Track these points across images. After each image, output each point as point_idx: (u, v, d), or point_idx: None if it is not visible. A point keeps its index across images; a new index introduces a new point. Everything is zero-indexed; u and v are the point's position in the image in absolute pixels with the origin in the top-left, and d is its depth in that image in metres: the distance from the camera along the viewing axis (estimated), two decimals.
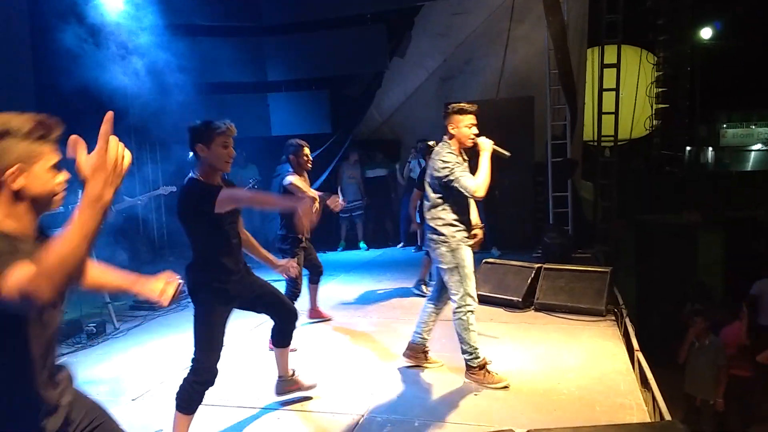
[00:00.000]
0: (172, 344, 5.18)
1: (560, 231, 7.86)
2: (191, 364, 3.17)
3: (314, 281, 5.61)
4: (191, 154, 7.44)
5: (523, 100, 8.82)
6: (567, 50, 7.69)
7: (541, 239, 7.58)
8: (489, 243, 6.92)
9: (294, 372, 3.87)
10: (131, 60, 7.38)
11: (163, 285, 2.04)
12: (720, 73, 13.29)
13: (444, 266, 3.96)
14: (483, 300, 5.86)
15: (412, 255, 9.06)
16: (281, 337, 3.68)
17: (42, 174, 1.60)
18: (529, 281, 5.81)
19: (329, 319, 5.71)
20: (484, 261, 6.33)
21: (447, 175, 3.83)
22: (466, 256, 3.93)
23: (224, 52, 8.87)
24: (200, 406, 3.63)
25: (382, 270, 7.97)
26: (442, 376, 4.21)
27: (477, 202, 4.05)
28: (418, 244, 9.24)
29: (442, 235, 3.94)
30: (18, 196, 1.58)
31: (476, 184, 3.76)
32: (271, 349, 4.07)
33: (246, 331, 5.19)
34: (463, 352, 4.01)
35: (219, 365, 3.19)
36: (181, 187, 3.18)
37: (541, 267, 5.96)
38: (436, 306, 4.32)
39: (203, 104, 7.55)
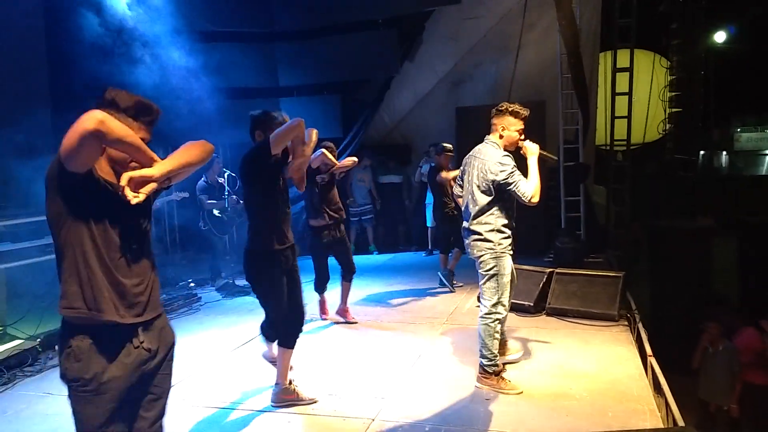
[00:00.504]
0: (184, 347, 5.19)
1: (573, 235, 7.82)
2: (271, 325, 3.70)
3: (346, 279, 5.65)
4: (215, 155, 7.43)
5: (534, 105, 8.75)
6: (579, 54, 7.67)
7: (553, 244, 7.54)
8: None
9: (292, 382, 3.85)
10: (144, 65, 7.45)
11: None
12: (734, 77, 13.17)
13: (483, 272, 3.90)
14: None
15: (423, 259, 9.08)
16: (286, 338, 3.73)
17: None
18: (540, 286, 5.79)
19: (354, 322, 5.69)
20: None
21: (506, 179, 3.74)
22: (508, 265, 3.87)
23: (236, 57, 8.92)
24: (210, 408, 3.66)
25: (393, 274, 7.97)
26: (454, 381, 4.19)
27: None
28: (429, 248, 9.26)
29: (489, 241, 3.85)
30: (111, 157, 2.00)
31: (533, 190, 3.69)
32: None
33: (258, 333, 5.20)
34: (482, 356, 3.96)
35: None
36: (243, 155, 3.59)
37: (553, 271, 5.93)
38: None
39: (215, 109, 7.59)
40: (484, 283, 3.91)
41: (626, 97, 8.61)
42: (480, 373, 4.01)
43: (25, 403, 4.05)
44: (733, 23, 13.47)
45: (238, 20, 9.11)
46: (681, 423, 3.47)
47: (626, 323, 5.29)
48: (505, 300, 3.90)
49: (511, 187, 3.73)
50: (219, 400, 3.95)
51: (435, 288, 6.90)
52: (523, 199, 3.72)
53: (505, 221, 3.89)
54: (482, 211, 3.89)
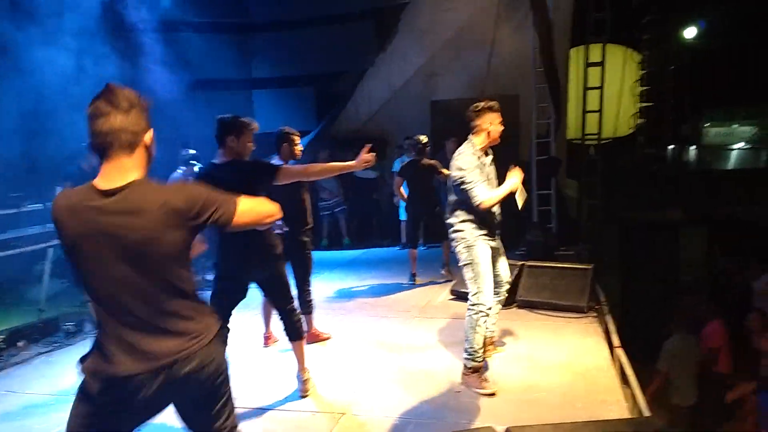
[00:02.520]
0: None
1: (544, 229, 7.90)
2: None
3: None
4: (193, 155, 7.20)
5: (508, 98, 8.83)
6: (552, 48, 7.73)
7: (524, 237, 7.61)
8: None
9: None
10: (115, 54, 7.30)
11: None
12: (703, 72, 13.41)
13: (461, 263, 3.98)
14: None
15: (396, 252, 9.06)
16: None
17: (154, 141, 1.99)
18: (512, 278, 5.82)
19: (277, 341, 5.00)
20: None
21: (461, 178, 3.82)
22: (481, 253, 3.89)
23: (209, 48, 8.81)
24: None
25: (366, 268, 7.96)
26: (425, 374, 4.21)
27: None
28: (403, 242, 9.26)
29: (460, 231, 3.95)
30: (148, 154, 1.97)
31: (487, 197, 3.77)
32: (266, 346, 4.77)
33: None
34: (465, 350, 3.95)
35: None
36: (223, 167, 3.48)
37: (524, 264, 5.97)
38: (495, 296, 4.19)
39: (187, 101, 7.48)
40: (464, 273, 3.97)
41: (598, 92, 8.70)
42: (463, 368, 3.98)
43: None
44: (703, 19, 13.70)
45: (211, 11, 8.99)
46: (647, 413, 3.54)
47: (595, 315, 5.36)
48: (486, 289, 3.87)
49: (465, 187, 3.81)
50: None
51: (408, 282, 6.90)
52: (473, 201, 3.79)
53: (474, 214, 3.91)
54: (455, 205, 3.99)
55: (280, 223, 4.33)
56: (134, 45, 7.41)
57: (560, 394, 3.80)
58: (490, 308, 3.91)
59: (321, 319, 5.62)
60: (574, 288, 5.56)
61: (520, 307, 5.67)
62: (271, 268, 3.68)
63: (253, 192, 3.28)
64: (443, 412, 3.59)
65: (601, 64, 8.68)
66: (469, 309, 3.91)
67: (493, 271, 4.02)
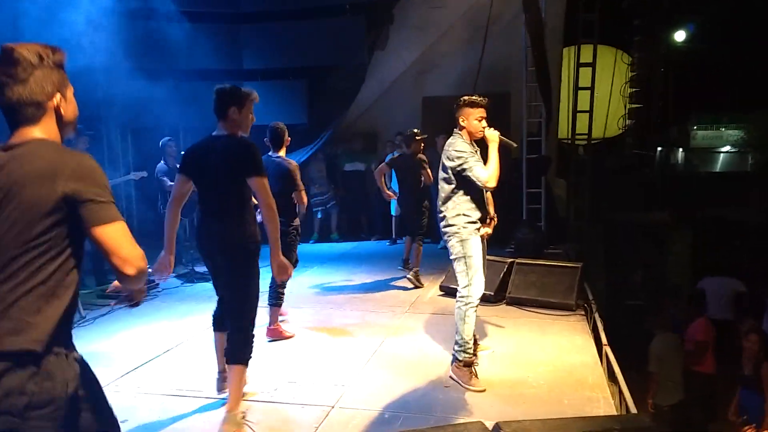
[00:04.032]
0: (140, 334, 5.09)
1: (533, 227, 7.93)
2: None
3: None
4: (168, 138, 7.16)
5: (499, 96, 8.84)
6: (544, 48, 7.75)
7: (514, 234, 7.63)
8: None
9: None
10: (102, 42, 7.20)
11: None
12: (692, 75, 13.54)
13: (453, 256, 3.97)
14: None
15: (386, 248, 9.08)
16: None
17: (72, 100, 1.77)
18: (501, 275, 5.85)
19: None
20: None
21: (461, 164, 3.87)
22: (475, 246, 3.90)
23: (199, 38, 8.70)
24: (165, 396, 3.58)
25: (356, 263, 7.95)
26: (414, 368, 4.21)
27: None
28: (393, 237, 9.26)
29: (453, 225, 3.94)
30: (59, 120, 1.74)
31: (488, 174, 3.82)
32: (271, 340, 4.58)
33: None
34: (455, 342, 3.97)
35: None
36: (225, 141, 3.22)
37: (513, 262, 6.00)
38: None
39: (176, 90, 7.41)
40: (455, 266, 3.97)
41: (588, 92, 8.74)
42: (453, 360, 3.99)
43: None
44: (693, 22, 13.82)
45: (202, 0, 8.90)
46: (633, 410, 3.57)
47: (583, 313, 5.40)
48: (477, 283, 3.89)
49: (466, 172, 3.87)
50: (175, 387, 3.87)
51: (398, 277, 6.90)
52: (478, 183, 3.86)
53: (471, 206, 3.94)
54: (447, 198, 3.99)
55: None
56: (120, 34, 7.31)
57: (548, 390, 3.83)
58: (479, 300, 3.93)
59: (310, 312, 5.63)
60: (563, 286, 5.60)
61: (509, 304, 5.71)
62: (229, 260, 3.27)
63: (233, 176, 3.19)
64: (432, 407, 3.60)
65: (592, 64, 8.72)
66: (458, 301, 3.95)
67: None
